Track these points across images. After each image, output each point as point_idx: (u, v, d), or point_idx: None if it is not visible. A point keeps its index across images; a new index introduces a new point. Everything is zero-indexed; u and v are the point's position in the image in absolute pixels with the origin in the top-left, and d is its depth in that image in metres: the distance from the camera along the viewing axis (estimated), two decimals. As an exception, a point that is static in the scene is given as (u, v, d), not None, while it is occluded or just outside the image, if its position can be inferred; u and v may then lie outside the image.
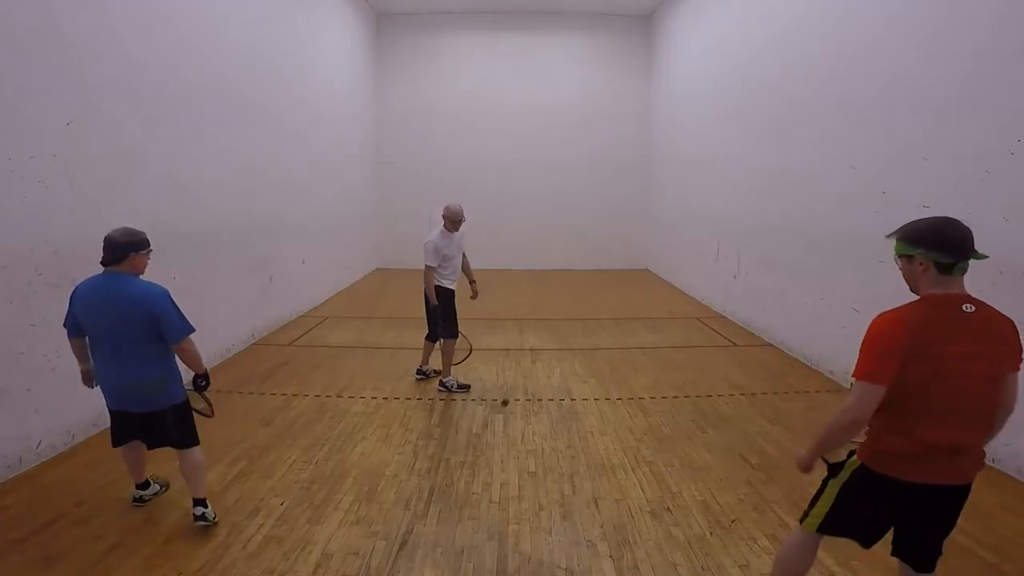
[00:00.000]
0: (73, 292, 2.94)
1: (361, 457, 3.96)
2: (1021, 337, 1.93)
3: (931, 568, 2.10)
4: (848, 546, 2.24)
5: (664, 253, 12.04)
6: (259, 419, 4.58)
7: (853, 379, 1.92)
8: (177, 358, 3.02)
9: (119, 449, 3.17)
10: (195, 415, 3.16)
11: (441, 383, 5.28)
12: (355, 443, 4.17)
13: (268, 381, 5.48)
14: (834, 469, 2.14)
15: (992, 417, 1.95)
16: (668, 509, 3.32)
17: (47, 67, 3.81)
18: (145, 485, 3.32)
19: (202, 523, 3.03)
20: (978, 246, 1.90)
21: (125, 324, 2.82)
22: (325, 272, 9.45)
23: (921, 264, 1.90)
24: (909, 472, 1.93)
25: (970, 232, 1.87)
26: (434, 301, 5.07)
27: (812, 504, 2.21)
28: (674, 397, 5.13)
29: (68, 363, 4.00)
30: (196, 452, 3.11)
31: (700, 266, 9.63)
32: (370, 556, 2.88)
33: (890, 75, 4.87)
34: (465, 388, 5.25)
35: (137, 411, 2.99)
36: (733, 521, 3.19)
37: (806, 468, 2.13)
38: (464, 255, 5.35)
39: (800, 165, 6.39)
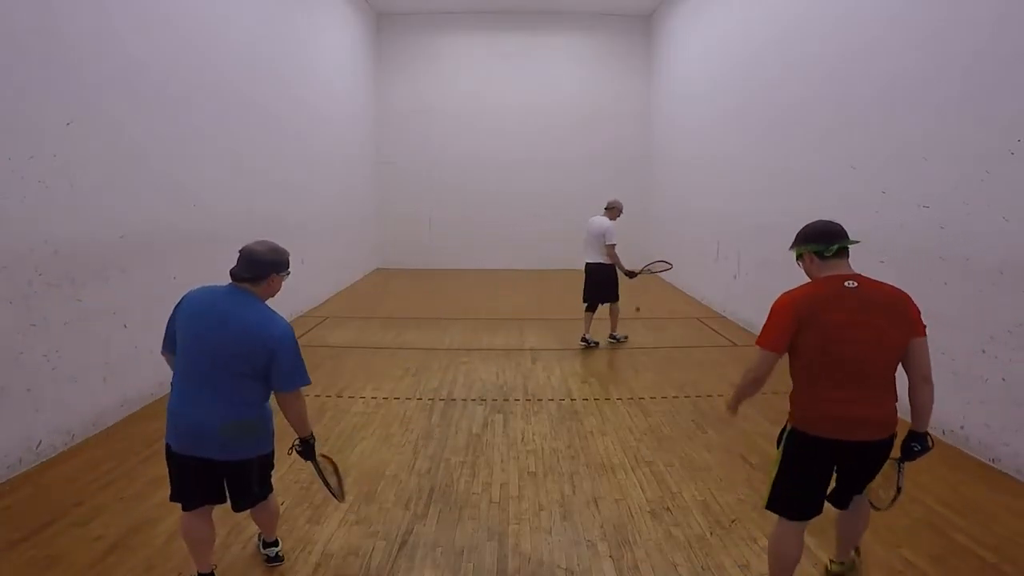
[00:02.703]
0: (183, 298, 2.47)
1: (361, 457, 3.96)
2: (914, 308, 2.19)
3: (845, 505, 2.44)
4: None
5: (664, 253, 11.96)
6: (259, 419, 4.56)
7: (756, 346, 2.28)
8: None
9: (185, 519, 2.52)
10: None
11: (612, 336, 6.79)
12: (355, 443, 4.17)
13: (268, 381, 5.47)
14: (777, 442, 2.41)
15: (886, 381, 2.19)
16: (668, 509, 3.32)
17: (47, 67, 3.81)
18: None
19: (276, 563, 2.80)
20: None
21: (235, 351, 2.35)
22: (325, 272, 9.44)
23: (808, 257, 2.38)
24: (824, 430, 2.21)
25: (836, 224, 2.35)
26: (628, 270, 6.46)
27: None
28: (674, 397, 5.13)
29: (68, 363, 4.04)
30: (273, 496, 2.75)
31: (700, 266, 9.63)
32: (370, 556, 2.88)
33: (890, 75, 4.86)
34: (625, 337, 6.83)
35: (218, 459, 2.44)
36: (733, 521, 3.19)
37: (732, 410, 2.49)
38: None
39: (800, 165, 6.39)
